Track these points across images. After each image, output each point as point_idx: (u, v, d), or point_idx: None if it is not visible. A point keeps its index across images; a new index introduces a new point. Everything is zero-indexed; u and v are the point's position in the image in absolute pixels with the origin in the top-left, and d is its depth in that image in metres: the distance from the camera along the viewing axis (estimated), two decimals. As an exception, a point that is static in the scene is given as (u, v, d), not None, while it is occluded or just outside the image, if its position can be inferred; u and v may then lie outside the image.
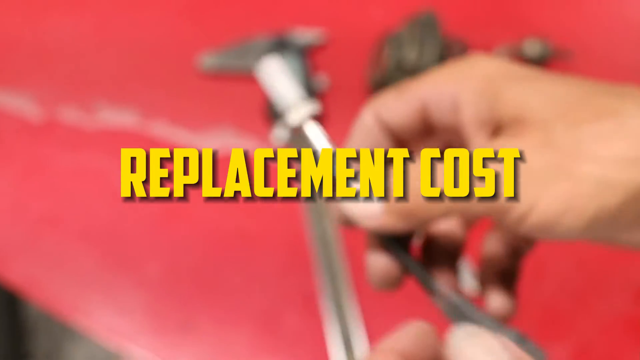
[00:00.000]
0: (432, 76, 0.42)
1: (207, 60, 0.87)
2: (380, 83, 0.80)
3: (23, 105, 0.84)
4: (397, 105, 0.43)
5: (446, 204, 0.37)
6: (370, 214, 0.40)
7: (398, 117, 0.42)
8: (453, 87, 0.41)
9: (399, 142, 0.44)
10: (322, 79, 0.86)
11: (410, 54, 0.77)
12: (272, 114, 0.83)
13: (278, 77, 0.41)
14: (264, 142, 0.83)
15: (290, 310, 0.73)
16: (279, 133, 0.83)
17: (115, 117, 0.84)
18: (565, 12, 0.94)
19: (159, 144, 0.82)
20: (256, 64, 0.87)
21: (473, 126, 0.40)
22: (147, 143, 0.82)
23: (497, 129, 0.39)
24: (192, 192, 0.80)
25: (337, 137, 0.84)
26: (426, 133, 0.43)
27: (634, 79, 0.88)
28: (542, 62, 0.85)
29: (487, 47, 0.85)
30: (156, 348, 0.71)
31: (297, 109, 0.38)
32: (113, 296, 0.74)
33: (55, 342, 1.30)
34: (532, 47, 0.84)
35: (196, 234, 0.77)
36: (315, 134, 0.38)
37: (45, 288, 0.74)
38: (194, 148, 0.82)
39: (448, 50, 0.82)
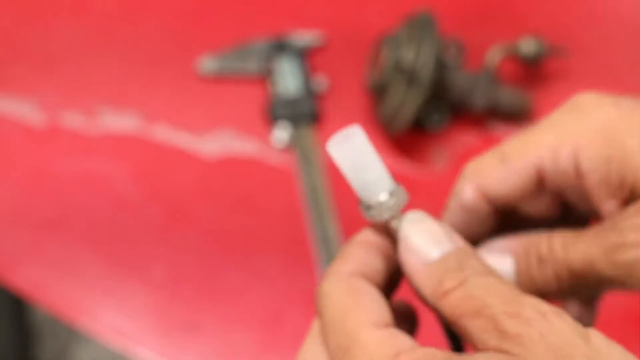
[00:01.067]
0: (541, 134, 0.38)
1: (207, 63, 0.88)
2: (379, 84, 0.81)
3: (26, 110, 0.85)
4: (505, 175, 0.38)
5: None
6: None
7: (506, 188, 0.39)
8: (571, 149, 0.36)
9: (501, 210, 0.40)
10: (321, 81, 0.87)
11: (408, 54, 0.78)
12: (272, 116, 0.84)
13: (361, 157, 0.37)
14: (264, 144, 0.83)
15: (294, 309, 0.74)
16: (279, 135, 0.83)
17: (117, 122, 0.85)
18: (560, 10, 0.95)
19: (160, 148, 0.83)
20: (257, 66, 0.87)
21: (601, 194, 0.36)
22: (149, 146, 0.83)
23: (631, 193, 0.36)
24: (193, 193, 0.81)
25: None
26: (536, 197, 0.39)
27: (629, 77, 0.89)
28: (537, 60, 0.85)
29: (483, 46, 0.86)
30: (161, 349, 0.72)
31: (386, 200, 0.36)
32: (118, 298, 0.75)
33: (62, 344, 1.31)
34: (527, 45, 0.85)
35: (199, 236, 0.78)
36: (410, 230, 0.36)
37: (51, 292, 0.75)
38: (196, 151, 0.83)
39: (445, 50, 0.83)
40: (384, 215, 0.36)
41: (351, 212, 0.78)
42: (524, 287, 0.37)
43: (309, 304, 0.74)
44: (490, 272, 0.33)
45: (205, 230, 0.78)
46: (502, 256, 0.39)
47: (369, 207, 0.37)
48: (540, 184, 0.38)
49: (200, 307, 0.74)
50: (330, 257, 0.75)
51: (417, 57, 0.77)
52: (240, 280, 0.75)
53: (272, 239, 0.78)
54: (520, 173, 0.38)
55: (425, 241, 0.35)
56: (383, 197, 0.36)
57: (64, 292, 0.75)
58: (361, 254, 0.37)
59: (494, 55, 0.84)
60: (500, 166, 0.39)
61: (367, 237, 0.38)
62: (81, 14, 0.92)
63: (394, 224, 0.36)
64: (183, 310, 0.74)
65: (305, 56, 0.88)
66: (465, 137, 0.84)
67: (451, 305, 0.32)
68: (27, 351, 1.29)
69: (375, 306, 0.33)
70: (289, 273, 0.76)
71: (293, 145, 0.83)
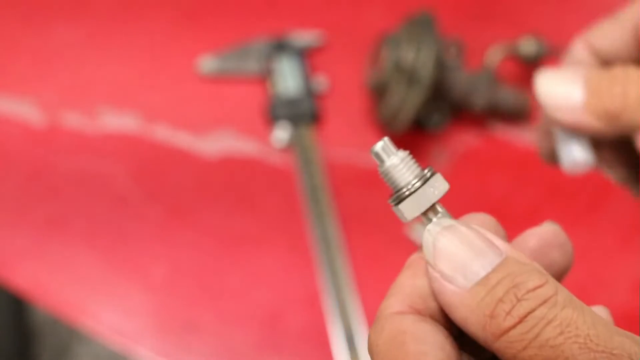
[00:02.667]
0: None
1: (207, 63, 0.88)
2: (379, 84, 0.81)
3: (26, 110, 0.85)
4: (611, 28, 0.39)
5: None
6: (570, 105, 0.37)
7: (612, 42, 0.38)
8: None
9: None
10: (321, 81, 0.87)
11: (408, 54, 0.78)
12: (272, 116, 0.84)
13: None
14: (264, 144, 0.83)
15: (293, 309, 0.74)
16: (279, 135, 0.84)
17: (117, 122, 0.85)
18: (560, 9, 0.95)
19: (160, 148, 0.83)
20: (257, 66, 0.88)
21: None
22: (149, 146, 0.83)
23: None
24: (193, 193, 0.81)
25: (337, 137, 0.85)
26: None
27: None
28: (537, 60, 0.85)
29: (483, 46, 0.86)
30: (161, 349, 0.72)
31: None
32: (118, 298, 0.75)
33: (62, 344, 1.31)
34: (527, 45, 0.85)
35: (199, 236, 0.78)
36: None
37: (51, 291, 0.75)
38: (196, 151, 0.83)
39: (445, 50, 0.83)
40: (410, 213, 0.32)
41: (351, 212, 0.79)
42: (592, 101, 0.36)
43: (309, 304, 0.74)
44: (560, 293, 0.27)
45: (205, 230, 0.78)
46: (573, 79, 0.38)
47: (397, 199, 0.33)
48: None
49: (200, 307, 0.74)
50: (330, 257, 0.75)
51: (417, 57, 0.77)
52: (240, 280, 0.75)
53: (272, 239, 0.78)
54: (625, 26, 0.37)
55: (461, 256, 0.29)
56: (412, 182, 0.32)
57: (64, 292, 0.75)
58: (411, 284, 0.31)
59: (494, 55, 0.84)
60: (608, 21, 0.38)
61: (419, 259, 0.32)
62: (81, 14, 0.92)
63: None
64: (183, 310, 0.74)
65: (305, 56, 0.88)
66: (465, 137, 0.84)
67: (514, 349, 0.27)
68: (27, 351, 1.29)
69: (430, 353, 0.28)
70: (289, 273, 0.76)
71: (293, 145, 0.83)
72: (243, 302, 0.74)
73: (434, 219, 0.32)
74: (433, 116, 0.82)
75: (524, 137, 0.84)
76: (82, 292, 0.75)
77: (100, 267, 0.76)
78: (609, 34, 0.39)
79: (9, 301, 1.24)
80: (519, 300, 0.27)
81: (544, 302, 0.27)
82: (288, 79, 0.86)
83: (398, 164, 0.33)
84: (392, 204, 0.33)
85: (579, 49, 0.40)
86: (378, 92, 0.81)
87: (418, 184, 0.32)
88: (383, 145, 0.33)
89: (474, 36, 0.88)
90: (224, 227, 0.78)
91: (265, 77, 0.87)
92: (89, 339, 1.24)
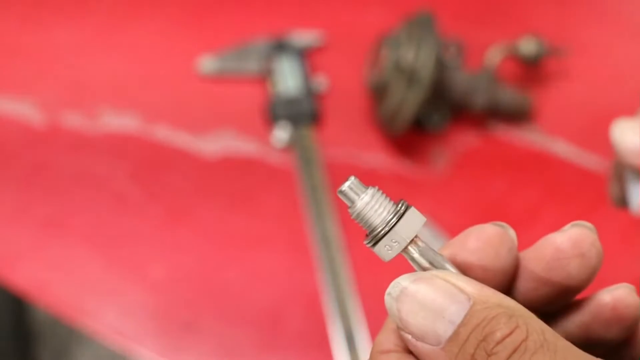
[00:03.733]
0: None
1: (208, 63, 0.88)
2: (379, 84, 0.81)
3: (26, 111, 0.85)
4: None
5: None
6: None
7: None
8: None
9: None
10: (321, 81, 0.87)
11: (408, 54, 0.78)
12: (272, 116, 0.84)
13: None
14: (264, 144, 0.83)
15: (293, 310, 0.74)
16: (279, 135, 0.83)
17: (118, 122, 0.85)
18: (560, 9, 0.95)
19: (160, 147, 0.83)
20: (257, 66, 0.88)
21: None
22: (149, 146, 0.83)
23: None
24: (193, 193, 0.81)
25: (337, 137, 0.85)
26: None
27: (629, 76, 0.89)
28: (537, 60, 0.85)
29: (483, 46, 0.86)
30: (161, 349, 0.72)
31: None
32: (118, 298, 0.75)
33: (62, 345, 1.31)
34: (527, 45, 0.85)
35: (199, 236, 0.78)
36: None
37: (51, 292, 0.75)
38: (196, 151, 0.83)
39: (445, 50, 0.83)
40: (387, 253, 0.31)
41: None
42: None
43: (309, 304, 0.74)
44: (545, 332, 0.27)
45: (206, 230, 0.78)
46: None
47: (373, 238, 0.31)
48: None
49: (200, 307, 0.74)
50: (330, 257, 0.75)
51: (417, 57, 0.77)
52: (239, 280, 0.75)
53: (272, 239, 0.78)
54: None
55: (424, 319, 0.28)
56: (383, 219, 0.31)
57: (64, 292, 0.75)
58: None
59: (494, 55, 0.84)
60: None
61: None
62: (81, 14, 0.92)
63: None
64: (183, 310, 0.74)
65: (305, 56, 0.88)
66: (465, 137, 0.84)
67: None
68: (27, 351, 1.29)
69: None
70: (289, 273, 0.76)
71: (293, 145, 0.83)
72: (243, 302, 0.74)
73: (415, 255, 0.31)
74: (433, 116, 0.82)
75: (524, 137, 0.84)
76: (82, 292, 0.75)
77: (100, 267, 0.76)
78: None
79: (9, 301, 1.24)
80: (489, 355, 0.26)
81: (514, 351, 0.26)
82: (288, 79, 0.86)
83: (369, 201, 0.31)
84: (369, 245, 0.31)
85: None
86: (378, 92, 0.81)
87: (393, 220, 0.31)
88: (350, 184, 0.32)
89: (474, 36, 0.88)
90: (224, 227, 0.78)
91: (265, 77, 0.87)
92: (89, 339, 1.24)
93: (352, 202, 0.32)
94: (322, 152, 0.82)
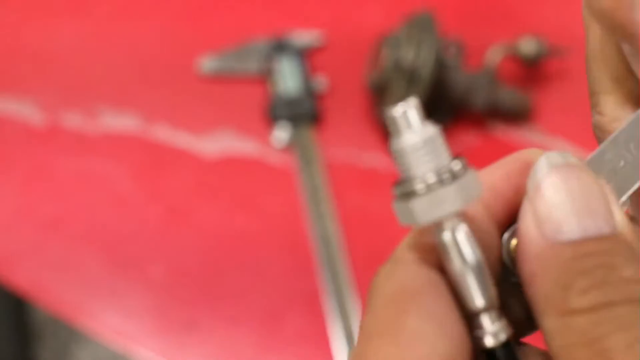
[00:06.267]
0: None
1: (207, 63, 0.88)
2: (379, 83, 0.81)
3: (25, 110, 0.85)
4: None
5: None
6: None
7: None
8: None
9: None
10: (321, 81, 0.87)
11: (408, 54, 0.78)
12: (272, 116, 0.84)
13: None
14: (264, 144, 0.83)
15: (293, 310, 0.74)
16: (279, 135, 0.84)
17: (117, 121, 0.85)
18: (560, 9, 0.95)
19: (160, 148, 0.83)
20: (257, 66, 0.88)
21: None
22: (149, 147, 0.83)
23: None
24: (193, 193, 0.81)
25: (337, 137, 0.85)
26: None
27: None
28: (537, 60, 0.85)
29: (483, 46, 0.86)
30: (161, 349, 0.72)
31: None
32: (118, 298, 0.75)
33: (62, 345, 1.31)
34: (527, 45, 0.85)
35: (199, 236, 0.78)
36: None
37: (51, 292, 0.75)
38: (196, 151, 0.83)
39: (445, 50, 0.83)
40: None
41: (351, 212, 0.79)
42: None
43: (309, 304, 0.74)
44: None
45: (205, 230, 0.78)
46: None
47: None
48: None
49: (200, 307, 0.74)
50: (330, 257, 0.75)
51: (417, 57, 0.77)
52: (240, 280, 0.75)
53: (272, 239, 0.78)
54: None
55: (568, 205, 0.23)
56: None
57: (64, 292, 0.75)
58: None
59: (494, 55, 0.84)
60: None
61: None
62: (81, 15, 0.92)
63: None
64: (183, 310, 0.74)
65: (305, 56, 0.88)
66: (465, 137, 0.84)
67: (566, 339, 0.22)
68: (27, 351, 1.29)
69: (428, 341, 0.23)
70: (289, 273, 0.76)
71: (293, 145, 0.83)
72: (243, 302, 0.74)
73: (447, 236, 0.24)
74: (433, 116, 0.82)
75: (524, 137, 0.84)
76: (82, 292, 0.75)
77: (100, 267, 0.76)
78: None
79: (9, 301, 1.24)
80: (605, 283, 0.22)
81: (631, 302, 0.22)
82: (288, 79, 0.86)
83: (421, 144, 0.23)
84: (398, 197, 0.24)
85: None
86: (378, 92, 0.81)
87: (443, 179, 0.23)
88: (407, 110, 0.24)
89: (474, 36, 0.88)
90: (224, 227, 0.78)
91: (265, 77, 0.87)
92: (89, 339, 1.24)
93: (399, 134, 0.24)
94: (322, 152, 0.82)
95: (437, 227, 0.24)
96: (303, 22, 0.91)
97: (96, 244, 0.77)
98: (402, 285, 0.24)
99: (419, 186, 0.23)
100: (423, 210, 0.23)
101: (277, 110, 0.84)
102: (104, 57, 0.89)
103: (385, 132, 0.82)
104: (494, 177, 0.26)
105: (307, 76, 0.86)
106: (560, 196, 0.23)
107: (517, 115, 0.84)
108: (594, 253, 0.22)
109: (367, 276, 0.75)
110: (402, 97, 0.78)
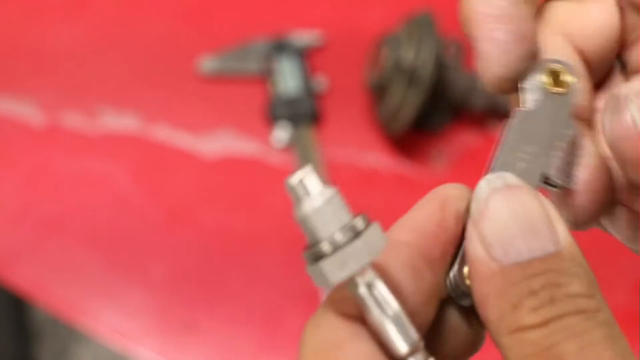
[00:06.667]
0: None
1: (207, 63, 0.88)
2: (379, 83, 0.81)
3: (26, 110, 0.85)
4: (592, 15, 0.29)
5: None
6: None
7: (598, 34, 0.28)
8: None
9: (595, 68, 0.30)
10: (321, 81, 0.87)
11: (408, 54, 0.78)
12: (272, 116, 0.84)
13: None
14: (264, 144, 0.83)
15: (293, 309, 0.74)
16: (279, 135, 0.84)
17: (117, 121, 0.85)
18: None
19: (160, 148, 0.83)
20: (257, 66, 0.88)
21: None
22: (149, 147, 0.83)
23: None
24: (193, 193, 0.81)
25: (337, 137, 0.85)
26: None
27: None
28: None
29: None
30: (161, 349, 0.72)
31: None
32: (118, 298, 0.75)
33: (62, 344, 1.31)
34: (527, 45, 0.85)
35: (199, 236, 0.78)
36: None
37: (51, 291, 0.75)
38: (196, 151, 0.83)
39: (445, 50, 0.83)
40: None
41: (351, 212, 0.78)
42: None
43: (309, 304, 0.74)
44: (601, 314, 0.23)
45: (205, 230, 0.78)
46: None
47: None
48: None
49: (200, 307, 0.74)
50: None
51: (417, 57, 0.77)
52: (240, 280, 0.75)
53: (272, 239, 0.78)
54: (609, 6, 0.28)
55: (512, 227, 0.24)
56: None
57: (64, 292, 0.75)
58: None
59: (494, 55, 0.84)
60: (581, 5, 0.29)
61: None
62: (81, 14, 0.92)
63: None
64: (183, 310, 0.74)
65: (305, 56, 0.88)
66: (465, 137, 0.84)
67: (522, 352, 0.23)
68: (27, 351, 1.29)
69: None
70: (289, 273, 0.76)
71: (293, 145, 0.83)
72: (243, 302, 0.74)
73: (362, 290, 0.25)
74: (433, 116, 0.82)
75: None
76: (82, 292, 0.75)
77: (100, 267, 0.76)
78: (591, 23, 0.29)
79: (9, 301, 1.24)
80: (553, 300, 0.23)
81: (579, 312, 0.23)
82: (288, 79, 0.86)
83: (321, 206, 0.24)
84: (308, 261, 0.25)
85: (557, 40, 0.29)
86: (378, 92, 0.81)
87: (347, 237, 0.24)
88: (303, 176, 0.25)
89: (474, 36, 0.88)
90: (224, 227, 0.78)
91: (265, 77, 0.87)
92: (89, 339, 1.24)
93: (299, 200, 0.25)
94: (322, 152, 0.82)
95: (351, 282, 0.25)
96: (303, 22, 0.91)
97: (96, 243, 0.77)
98: (326, 339, 0.24)
99: (325, 248, 0.24)
100: (333, 270, 0.24)
101: (277, 110, 0.84)
102: (103, 57, 0.89)
103: (385, 132, 0.83)
104: (417, 219, 0.27)
105: (307, 76, 0.86)
106: (504, 219, 0.24)
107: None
108: (541, 273, 0.24)
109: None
110: (402, 97, 0.78)
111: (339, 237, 0.24)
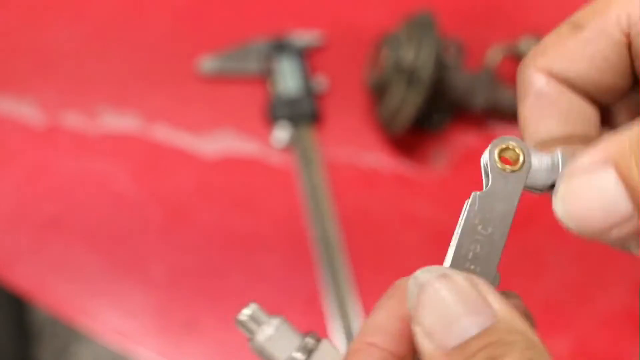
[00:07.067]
0: None
1: (207, 63, 0.88)
2: (379, 83, 0.81)
3: (26, 110, 0.85)
4: (581, 46, 0.29)
5: None
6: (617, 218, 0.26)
7: (586, 63, 0.28)
8: None
9: (593, 103, 0.30)
10: (321, 81, 0.87)
11: (408, 54, 0.78)
12: (272, 116, 0.84)
13: None
14: (264, 144, 0.83)
15: (293, 309, 0.74)
16: (279, 135, 0.84)
17: (117, 121, 0.85)
18: (560, 9, 0.95)
19: (160, 148, 0.83)
20: (257, 66, 0.88)
21: None
22: (149, 147, 0.83)
23: None
24: (193, 193, 0.81)
25: (337, 137, 0.85)
26: (623, 73, 0.29)
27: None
28: (538, 60, 0.85)
29: (483, 46, 0.86)
30: (161, 349, 0.72)
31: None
32: (118, 298, 0.75)
33: (62, 344, 1.31)
34: (527, 45, 0.85)
35: (199, 236, 0.78)
36: None
37: (51, 291, 0.75)
38: (196, 151, 0.83)
39: (445, 50, 0.83)
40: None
41: (351, 212, 0.79)
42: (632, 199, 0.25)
43: (309, 304, 0.74)
44: None
45: (205, 230, 0.78)
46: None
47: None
48: (628, 51, 0.28)
49: (200, 307, 0.74)
50: (330, 257, 0.75)
51: (417, 57, 0.77)
52: (240, 280, 0.76)
53: (272, 239, 0.78)
54: (601, 40, 0.28)
55: (446, 313, 0.26)
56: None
57: (64, 292, 0.75)
58: (385, 320, 0.29)
59: (494, 55, 0.84)
60: (573, 37, 0.29)
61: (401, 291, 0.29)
62: (81, 14, 0.92)
63: None
64: (183, 310, 0.74)
65: (305, 56, 0.88)
66: (465, 137, 0.84)
67: None
68: (27, 351, 1.29)
69: None
70: (289, 273, 0.76)
71: (293, 145, 0.83)
72: (243, 302, 0.74)
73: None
74: (433, 116, 0.82)
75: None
76: (82, 292, 0.75)
77: (100, 267, 0.76)
78: (579, 54, 0.29)
79: (9, 301, 1.24)
80: None
81: None
82: (288, 79, 0.86)
83: (272, 334, 0.27)
84: None
85: (540, 82, 0.29)
86: (378, 92, 0.81)
87: (302, 358, 0.26)
88: (251, 313, 0.27)
89: (474, 36, 0.88)
90: (224, 227, 0.78)
91: (265, 77, 0.87)
92: (89, 339, 1.24)
93: (252, 334, 0.27)
94: (322, 152, 0.82)
95: None
96: (303, 22, 0.91)
97: (96, 243, 0.77)
98: None
99: None
100: None
101: (277, 110, 0.84)
102: (103, 56, 0.89)
103: (385, 132, 0.83)
104: (380, 319, 0.29)
105: (307, 76, 0.86)
106: (436, 308, 0.25)
107: (517, 115, 0.84)
108: (480, 349, 0.25)
109: (367, 276, 0.75)
110: (402, 97, 0.78)
111: (298, 356, 0.26)
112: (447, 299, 0.25)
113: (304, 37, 0.89)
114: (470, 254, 0.29)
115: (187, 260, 0.77)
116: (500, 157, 0.29)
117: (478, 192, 0.30)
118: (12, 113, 0.85)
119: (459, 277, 0.26)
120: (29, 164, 0.82)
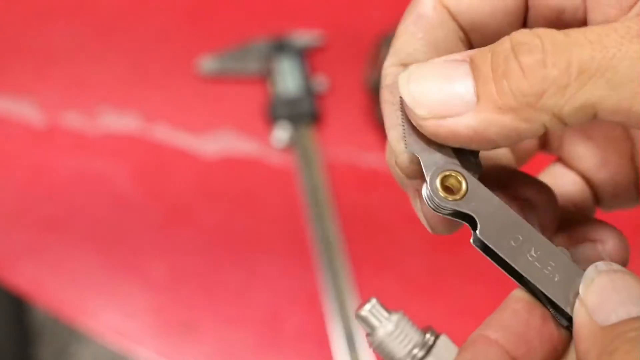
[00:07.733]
0: None
1: (207, 63, 0.88)
2: (379, 84, 0.81)
3: (26, 110, 0.85)
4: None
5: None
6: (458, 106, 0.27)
7: (478, 1, 0.29)
8: None
9: (471, 41, 0.30)
10: (321, 81, 0.87)
11: (408, 55, 0.78)
12: (272, 116, 0.84)
13: None
14: (264, 144, 0.83)
15: (293, 309, 0.74)
16: (279, 135, 0.84)
17: (117, 121, 0.85)
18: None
19: (160, 148, 0.83)
20: (257, 66, 0.88)
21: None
22: (149, 147, 0.83)
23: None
24: (193, 193, 0.81)
25: (337, 137, 0.85)
26: (517, 18, 0.30)
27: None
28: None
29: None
30: (161, 349, 0.72)
31: None
32: (118, 298, 0.75)
33: (62, 345, 1.31)
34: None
35: (199, 236, 0.78)
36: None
37: (51, 291, 0.75)
38: (196, 151, 0.83)
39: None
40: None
41: (351, 212, 0.79)
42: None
43: (309, 304, 0.74)
44: None
45: (205, 230, 0.78)
46: None
47: None
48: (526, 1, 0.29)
49: (200, 307, 0.74)
50: (330, 257, 0.75)
51: (417, 57, 0.77)
52: (240, 280, 0.75)
53: (272, 239, 0.78)
54: None
55: (610, 297, 0.28)
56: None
57: (64, 292, 0.75)
58: (509, 320, 0.30)
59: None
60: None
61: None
62: (81, 14, 0.92)
63: None
64: (183, 310, 0.74)
65: (305, 56, 0.88)
66: (465, 137, 0.84)
67: None
68: (27, 351, 1.29)
69: None
70: (289, 273, 0.76)
71: (293, 145, 0.83)
72: (243, 303, 0.74)
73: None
74: (433, 116, 0.82)
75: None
76: (82, 292, 0.75)
77: (100, 267, 0.76)
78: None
79: (9, 301, 1.24)
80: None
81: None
82: (288, 79, 0.86)
83: (392, 330, 0.27)
84: None
85: (428, 8, 0.29)
86: (378, 92, 0.81)
87: (420, 355, 0.27)
88: (371, 307, 0.28)
89: (474, 36, 0.88)
90: (224, 227, 0.78)
91: (265, 77, 0.87)
92: (89, 339, 1.24)
93: (373, 329, 0.27)
94: (322, 152, 0.82)
95: None
96: (303, 22, 0.91)
97: (96, 243, 0.77)
98: None
99: None
100: None
101: (277, 110, 0.84)
102: (103, 57, 0.89)
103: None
104: (506, 317, 0.29)
105: (307, 76, 0.86)
106: (608, 292, 0.28)
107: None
108: (634, 328, 0.27)
109: (367, 276, 0.75)
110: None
111: (415, 354, 0.27)
112: (617, 288, 0.28)
113: (304, 37, 0.89)
114: (549, 268, 0.29)
115: (187, 260, 0.77)
116: (443, 186, 0.29)
117: (478, 235, 0.29)
118: (12, 113, 0.85)
119: (631, 276, 0.29)
120: (29, 164, 0.82)
